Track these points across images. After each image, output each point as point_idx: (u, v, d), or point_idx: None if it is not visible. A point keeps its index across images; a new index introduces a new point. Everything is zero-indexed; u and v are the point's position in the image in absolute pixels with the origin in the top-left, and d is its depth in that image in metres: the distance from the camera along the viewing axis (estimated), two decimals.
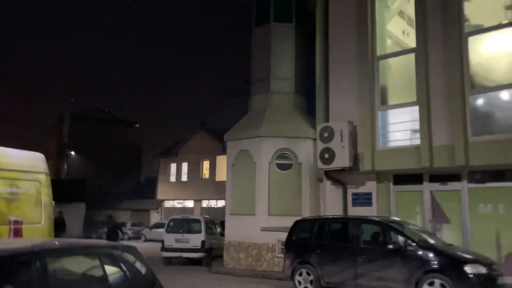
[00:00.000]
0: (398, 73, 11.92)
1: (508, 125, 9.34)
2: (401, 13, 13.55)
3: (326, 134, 11.35)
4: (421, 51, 10.43)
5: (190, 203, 35.06)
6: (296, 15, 15.19)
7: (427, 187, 10.65)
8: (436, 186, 10.53)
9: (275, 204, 13.34)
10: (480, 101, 9.85)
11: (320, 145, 11.46)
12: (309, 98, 15.04)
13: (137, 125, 49.60)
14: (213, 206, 33.48)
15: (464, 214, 10.04)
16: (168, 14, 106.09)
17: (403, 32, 13.51)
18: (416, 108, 10.51)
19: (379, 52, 11.47)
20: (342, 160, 11.01)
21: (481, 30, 10.00)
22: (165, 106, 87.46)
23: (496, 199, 9.67)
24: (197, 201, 34.40)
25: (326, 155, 11.22)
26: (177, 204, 36.05)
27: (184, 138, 37.24)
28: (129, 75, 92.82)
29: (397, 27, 13.12)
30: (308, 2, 14.84)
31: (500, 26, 9.81)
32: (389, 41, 12.30)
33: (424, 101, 10.24)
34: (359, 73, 11.48)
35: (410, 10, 13.61)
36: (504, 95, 9.60)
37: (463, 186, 10.10)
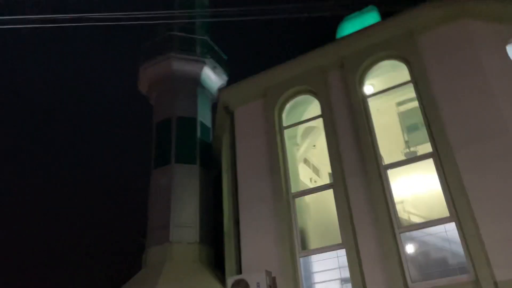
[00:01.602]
0: (318, 212, 10.59)
1: (448, 266, 8.05)
2: (306, 161, 13.02)
3: None
4: (340, 186, 9.35)
5: None
6: (201, 155, 13.95)
7: None
8: None
9: None
10: (414, 240, 8.61)
11: None
12: (218, 248, 12.84)
13: None
14: None
15: None
16: None
17: (311, 180, 12.78)
18: (343, 252, 8.93)
19: (293, 189, 10.21)
20: None
21: (398, 163, 9.37)
22: None
23: None
24: None
25: None
26: None
27: None
28: None
29: (304, 174, 12.39)
30: (214, 141, 13.84)
31: (416, 159, 9.30)
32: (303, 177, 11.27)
33: (351, 243, 8.75)
34: (275, 213, 9.91)
35: (314, 159, 13.28)
36: (436, 231, 8.50)
37: None
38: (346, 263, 8.79)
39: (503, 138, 8.08)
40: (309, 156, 12.63)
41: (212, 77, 15.62)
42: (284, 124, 11.13)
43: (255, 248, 9.90)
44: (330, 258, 9.25)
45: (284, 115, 11.22)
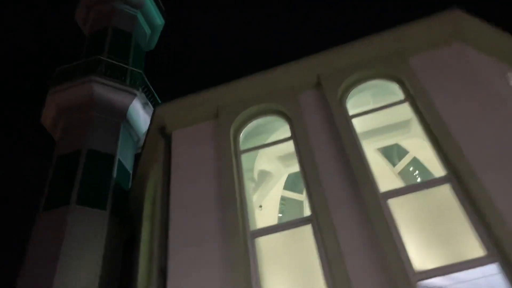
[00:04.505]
0: (286, 257, 7.46)
1: None
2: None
3: None
4: (324, 218, 6.63)
5: None
6: (114, 201, 10.38)
7: None
8: None
9: None
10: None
11: None
12: None
13: None
14: None
15: None
16: None
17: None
18: None
19: (252, 226, 7.22)
20: None
21: (399, 190, 7.05)
22: None
23: None
24: None
25: None
26: None
27: None
28: None
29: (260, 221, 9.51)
30: (135, 185, 10.49)
31: (424, 185, 7.09)
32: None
33: None
34: (226, 258, 6.69)
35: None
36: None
37: None
38: None
39: None
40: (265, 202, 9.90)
41: (142, 116, 12.84)
42: (242, 148, 8.53)
43: None
44: None
45: (241, 138, 8.68)
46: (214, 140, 8.67)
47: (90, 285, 8.77)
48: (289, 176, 11.45)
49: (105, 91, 12.10)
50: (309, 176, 7.20)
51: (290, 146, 9.85)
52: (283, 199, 11.67)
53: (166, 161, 8.89)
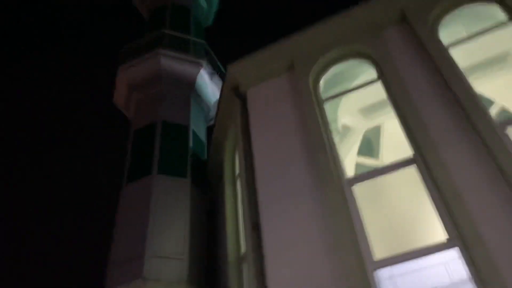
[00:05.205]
0: (384, 205, 6.90)
1: None
2: None
3: None
4: (433, 158, 5.93)
5: None
6: (193, 170, 10.27)
7: None
8: None
9: None
10: None
11: None
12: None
13: None
14: None
15: None
16: None
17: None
18: (452, 253, 5.25)
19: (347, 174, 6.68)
20: None
21: None
22: None
23: None
24: None
25: None
26: None
27: None
28: None
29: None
30: (212, 151, 10.30)
31: None
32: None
33: (471, 238, 5.12)
34: (323, 208, 6.22)
35: None
36: None
37: None
38: (461, 272, 5.07)
39: None
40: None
41: (210, 86, 12.63)
42: (323, 97, 7.97)
43: (291, 265, 5.97)
44: (427, 268, 5.48)
45: (321, 88, 8.10)
46: (292, 92, 8.18)
47: (181, 248, 8.72)
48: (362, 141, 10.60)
49: (172, 63, 12.00)
50: (409, 116, 6.48)
51: (372, 96, 9.19)
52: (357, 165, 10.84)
53: (244, 121, 8.54)
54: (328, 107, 8.08)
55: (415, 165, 6.11)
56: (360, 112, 9.80)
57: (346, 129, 9.90)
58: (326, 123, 7.41)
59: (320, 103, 7.80)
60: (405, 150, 6.46)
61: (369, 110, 9.78)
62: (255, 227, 6.63)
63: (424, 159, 5.97)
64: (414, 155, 6.19)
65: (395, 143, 9.53)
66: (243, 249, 7.95)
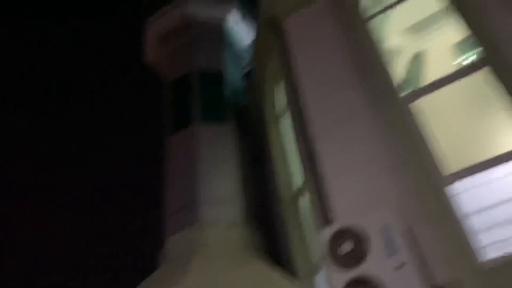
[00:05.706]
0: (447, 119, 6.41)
1: None
2: None
3: (348, 247, 4.65)
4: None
5: None
6: (234, 111, 10.01)
7: None
8: None
9: None
10: None
11: (336, 278, 4.58)
12: (269, 232, 8.52)
13: None
14: None
15: None
16: None
17: None
18: None
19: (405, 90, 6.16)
20: None
21: None
22: None
23: None
24: None
25: None
26: None
27: None
28: None
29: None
30: (252, 87, 9.96)
31: None
32: None
33: None
34: (385, 126, 5.80)
35: None
36: None
37: None
38: None
39: None
40: None
41: (242, 28, 12.07)
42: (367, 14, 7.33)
43: (354, 188, 5.66)
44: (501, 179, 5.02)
45: (365, 3, 7.44)
46: (333, 14, 7.58)
47: (232, 192, 8.62)
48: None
49: (200, 8, 11.50)
50: (469, 14, 5.80)
51: (418, 14, 8.47)
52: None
53: (284, 53, 8.07)
54: (375, 25, 7.46)
55: (482, 69, 5.50)
56: (406, 32, 9.06)
57: (394, 48, 9.24)
58: (375, 42, 6.83)
59: (365, 21, 7.18)
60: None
61: (415, 29, 9.02)
62: (310, 155, 6.31)
63: (494, 61, 5.35)
64: (482, 58, 5.56)
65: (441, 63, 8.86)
66: (296, 185, 7.72)
